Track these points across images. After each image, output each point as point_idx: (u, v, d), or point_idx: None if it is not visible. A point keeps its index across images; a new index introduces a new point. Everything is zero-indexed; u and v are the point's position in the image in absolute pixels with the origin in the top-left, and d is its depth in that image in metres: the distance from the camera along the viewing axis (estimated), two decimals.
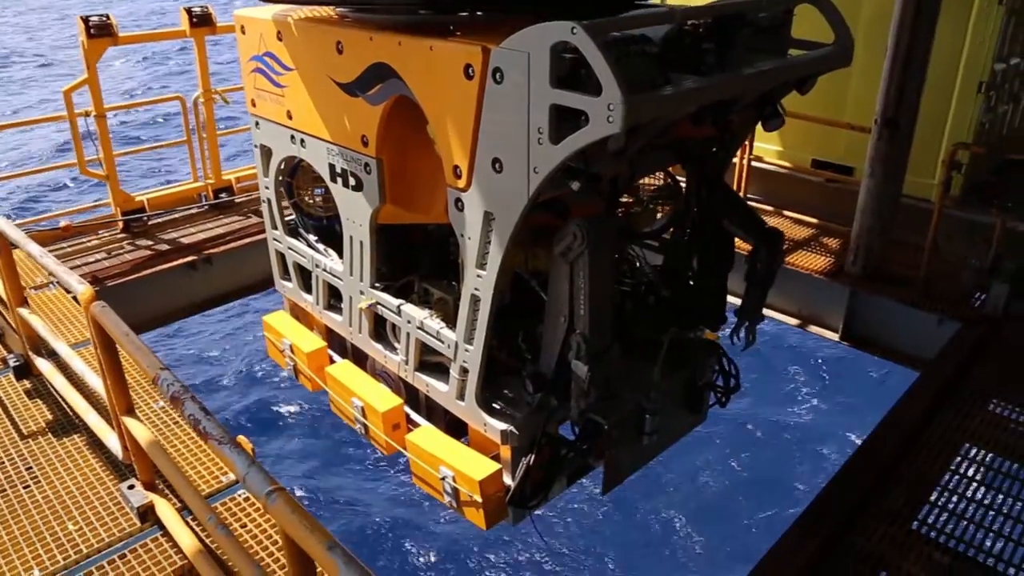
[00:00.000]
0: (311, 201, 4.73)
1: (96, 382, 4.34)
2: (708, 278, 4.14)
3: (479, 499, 3.72)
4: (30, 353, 5.13)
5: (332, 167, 4.10)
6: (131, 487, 4.08)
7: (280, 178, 4.75)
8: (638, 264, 4.39)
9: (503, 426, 3.67)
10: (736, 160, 9.00)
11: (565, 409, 3.60)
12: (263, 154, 4.71)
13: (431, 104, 3.35)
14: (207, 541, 3.78)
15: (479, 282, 3.46)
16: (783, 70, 3.23)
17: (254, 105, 4.59)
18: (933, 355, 6.38)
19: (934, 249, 7.07)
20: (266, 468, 2.68)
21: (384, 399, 4.23)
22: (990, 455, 5.06)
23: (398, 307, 4.06)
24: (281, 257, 4.96)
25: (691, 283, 4.21)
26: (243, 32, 4.43)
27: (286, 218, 4.88)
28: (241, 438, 4.70)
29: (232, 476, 4.30)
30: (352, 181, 3.99)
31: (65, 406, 4.90)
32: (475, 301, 3.52)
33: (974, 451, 5.10)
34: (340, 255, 4.43)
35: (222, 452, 2.77)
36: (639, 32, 2.98)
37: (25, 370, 5.22)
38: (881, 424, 5.32)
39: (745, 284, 4.11)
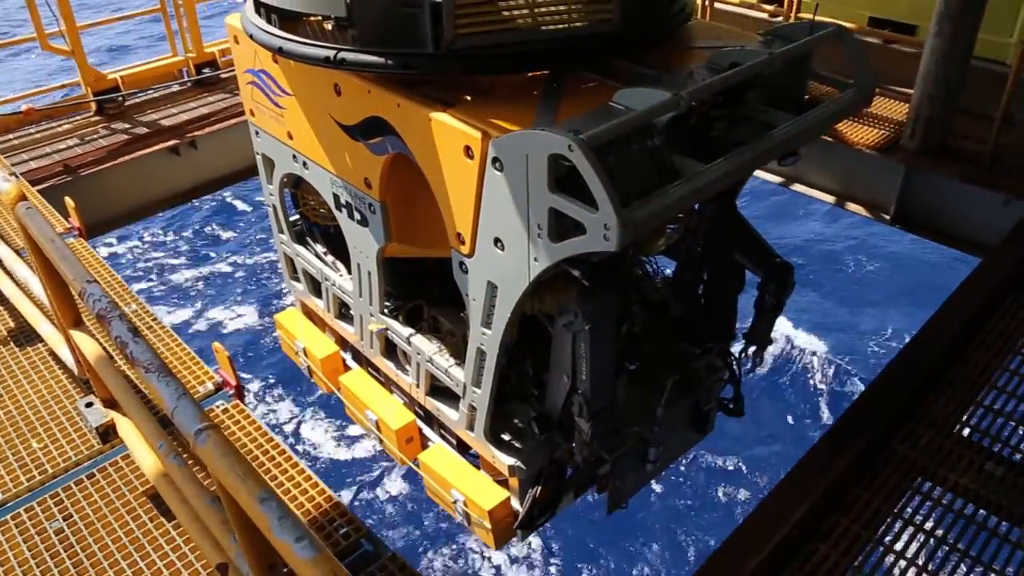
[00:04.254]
0: (317, 209, 4.64)
1: (41, 291, 3.86)
2: (717, 299, 4.13)
3: (489, 525, 3.94)
4: None
5: (336, 197, 4.03)
6: (89, 405, 3.71)
7: (284, 180, 4.66)
8: (651, 272, 4.35)
9: (511, 461, 3.82)
10: (782, 18, 8.08)
11: (570, 443, 3.74)
12: (265, 163, 4.60)
13: (432, 172, 3.25)
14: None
15: (484, 339, 3.50)
16: (797, 135, 3.08)
17: (253, 115, 4.45)
18: (997, 240, 5.77)
19: (1006, 120, 6.25)
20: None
21: (397, 416, 4.36)
22: None
23: (408, 338, 4.11)
24: (289, 259, 4.95)
25: (701, 299, 4.20)
26: (236, 42, 4.23)
27: (292, 222, 4.85)
28: (216, 345, 4.19)
29: (202, 392, 3.93)
30: (357, 216, 3.94)
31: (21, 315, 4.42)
32: (481, 354, 3.57)
33: None
34: (349, 269, 4.42)
35: (148, 381, 2.43)
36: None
37: None
38: (934, 318, 4.76)
39: (755, 312, 4.10)
